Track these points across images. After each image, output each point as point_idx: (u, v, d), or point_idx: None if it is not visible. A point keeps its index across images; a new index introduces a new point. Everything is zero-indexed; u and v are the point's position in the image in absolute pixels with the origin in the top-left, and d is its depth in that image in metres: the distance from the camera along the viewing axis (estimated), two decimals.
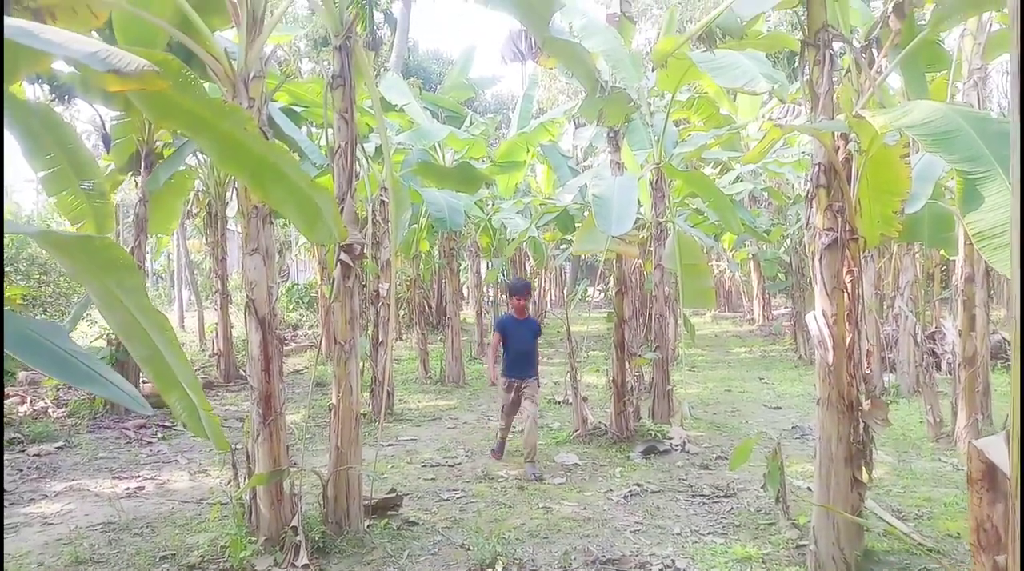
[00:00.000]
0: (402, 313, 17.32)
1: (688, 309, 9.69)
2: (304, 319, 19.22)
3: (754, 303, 20.91)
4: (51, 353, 1.59)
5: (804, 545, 4.35)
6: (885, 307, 10.98)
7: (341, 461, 4.60)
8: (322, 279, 12.34)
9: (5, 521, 5.11)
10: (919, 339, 9.03)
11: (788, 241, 14.69)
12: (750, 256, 17.92)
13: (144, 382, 8.94)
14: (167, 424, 8.17)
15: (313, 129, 9.94)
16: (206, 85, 4.21)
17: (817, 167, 4.03)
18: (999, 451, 1.24)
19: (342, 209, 4.57)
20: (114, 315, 2.27)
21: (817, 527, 4.07)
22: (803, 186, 11.80)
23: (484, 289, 17.56)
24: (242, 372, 11.11)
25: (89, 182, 6.94)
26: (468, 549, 4.58)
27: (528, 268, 17.89)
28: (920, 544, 4.34)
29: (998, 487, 1.27)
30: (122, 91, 1.97)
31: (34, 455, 6.88)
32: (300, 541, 4.30)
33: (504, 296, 17.28)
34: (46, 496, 5.76)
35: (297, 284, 21.59)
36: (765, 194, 15.58)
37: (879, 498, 5.34)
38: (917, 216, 6.16)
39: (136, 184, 9.14)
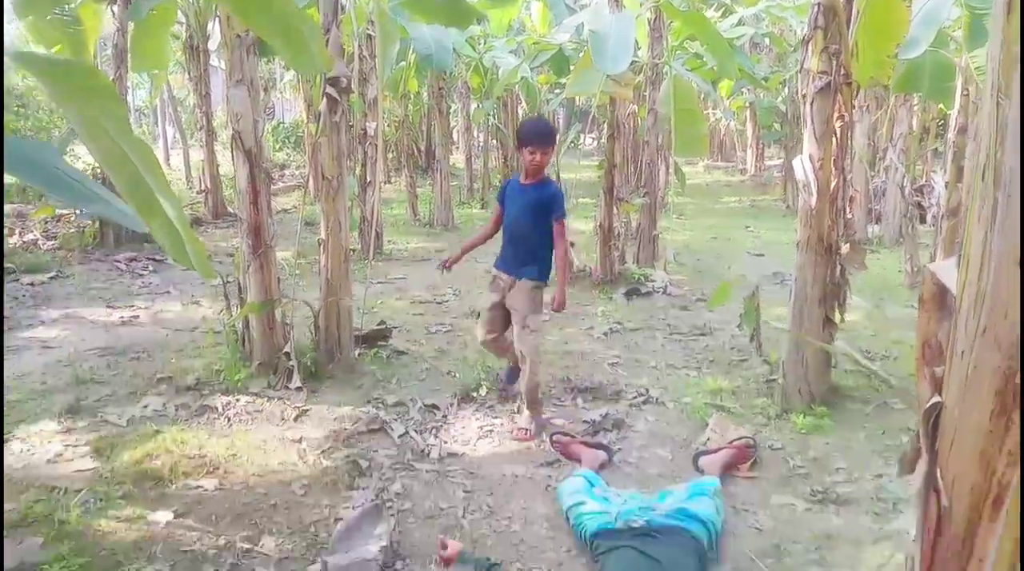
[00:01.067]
0: (390, 155, 17.10)
1: (680, 157, 9.61)
2: (291, 159, 18.96)
3: (747, 153, 20.71)
4: (49, 173, 1.60)
5: (773, 380, 4.59)
6: (877, 159, 10.92)
7: (331, 293, 4.72)
8: (308, 118, 12.09)
9: (5, 344, 5.28)
10: (907, 191, 9.07)
11: (786, 89, 14.35)
12: (747, 104, 17.53)
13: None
14: (157, 257, 8.25)
15: None
16: None
17: (816, 7, 3.90)
18: (949, 275, 1.31)
19: (327, 40, 4.42)
20: (97, 144, 2.23)
21: (787, 362, 4.27)
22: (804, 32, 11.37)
23: (474, 133, 17.25)
24: (230, 209, 11.10)
25: (62, 8, 6.61)
26: (454, 376, 4.81)
27: (520, 112, 17.49)
28: (883, 381, 4.58)
29: (945, 308, 1.34)
30: None
31: (28, 284, 6.99)
32: (292, 366, 4.49)
33: (497, 142, 16.95)
34: (43, 322, 5.92)
35: (283, 123, 21.12)
36: (766, 40, 15.04)
37: (850, 340, 5.55)
38: (918, 64, 6.02)
39: (113, 14, 8.72)
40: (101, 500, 3.30)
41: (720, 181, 19.56)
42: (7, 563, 2.82)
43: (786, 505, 3.35)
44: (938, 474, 1.29)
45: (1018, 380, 1.16)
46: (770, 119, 16.20)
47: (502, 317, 4.15)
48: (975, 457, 1.23)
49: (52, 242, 8.58)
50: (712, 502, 3.04)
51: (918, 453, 1.34)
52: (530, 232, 3.99)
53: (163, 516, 3.20)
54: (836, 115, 3.88)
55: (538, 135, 3.88)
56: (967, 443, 1.24)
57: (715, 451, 3.69)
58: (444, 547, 2.86)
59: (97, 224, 8.48)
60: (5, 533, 2.97)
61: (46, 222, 9.17)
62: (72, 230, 8.63)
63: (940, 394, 1.30)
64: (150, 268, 7.85)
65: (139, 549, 2.97)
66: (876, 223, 10.24)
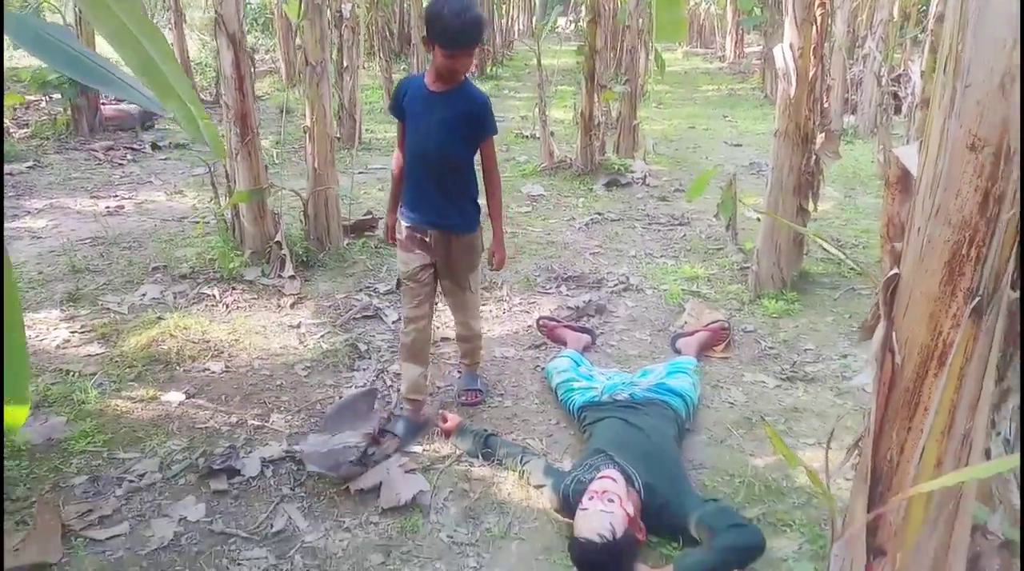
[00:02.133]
0: (360, 38, 16.59)
1: (660, 43, 9.51)
2: (259, 42, 18.32)
3: (727, 39, 20.38)
4: (69, 55, 1.64)
5: (747, 266, 4.81)
6: (856, 46, 10.88)
7: (319, 182, 4.80)
8: None
9: None
10: (883, 81, 9.11)
11: None
12: None
13: (103, 103, 8.78)
14: (135, 146, 8.17)
15: None
16: None
17: None
18: (912, 158, 1.46)
19: None
20: (105, 24, 2.27)
21: (760, 249, 4.48)
22: None
23: None
24: (202, 96, 10.86)
25: None
26: None
27: None
28: (852, 268, 4.82)
29: (908, 189, 1.50)
30: None
31: (7, 174, 6.93)
32: (285, 254, 4.62)
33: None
34: (28, 213, 5.94)
35: (249, 3, 20.27)
36: None
37: (822, 228, 5.78)
38: None
39: None
40: (114, 382, 3.49)
41: (699, 68, 19.32)
42: (35, 440, 3.02)
43: (757, 382, 3.62)
44: (893, 336, 1.49)
45: (963, 251, 1.34)
46: (751, 4, 15.85)
47: (432, 286, 3.12)
48: (925, 320, 1.42)
49: (24, 130, 8.41)
50: (689, 378, 3.29)
51: (877, 320, 1.54)
52: (456, 160, 2.92)
53: (175, 397, 3.40)
54: (817, 2, 3.93)
55: (464, 37, 2.65)
56: (919, 308, 1.43)
57: (691, 333, 3.92)
58: (444, 420, 3.10)
59: (69, 112, 8.31)
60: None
61: (15, 109, 8.96)
62: (44, 118, 8.46)
63: (898, 266, 1.48)
64: (128, 157, 7.78)
65: (156, 426, 3.17)
66: (852, 113, 10.31)
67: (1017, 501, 1.61)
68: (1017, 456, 1.41)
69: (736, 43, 19.27)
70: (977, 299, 1.37)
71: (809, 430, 3.16)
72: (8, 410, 1.79)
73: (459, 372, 3.57)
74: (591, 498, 2.31)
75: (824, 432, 3.13)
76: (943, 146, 1.36)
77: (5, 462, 2.85)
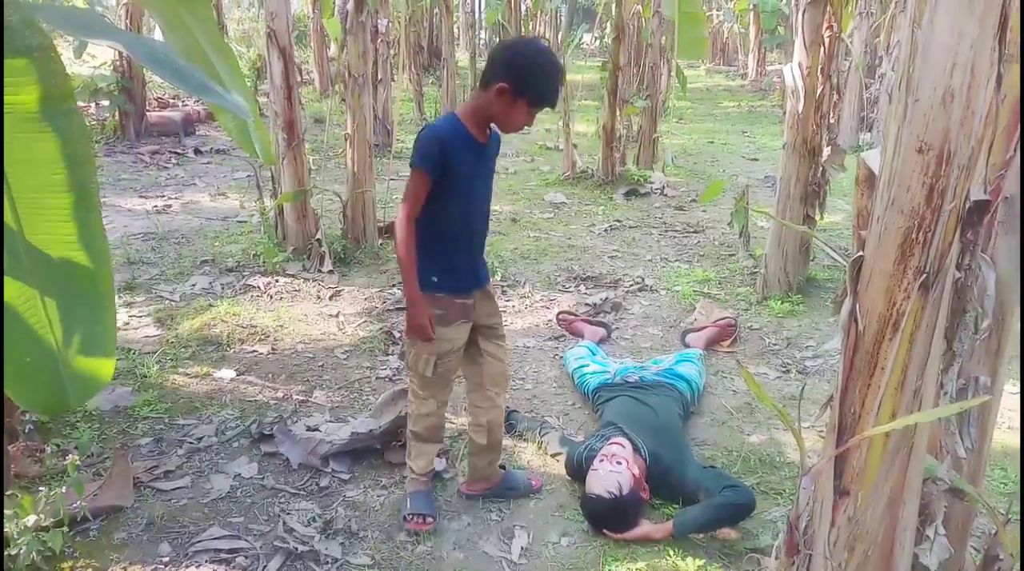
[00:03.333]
0: (393, 53, 17.07)
1: (680, 59, 9.82)
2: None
3: (749, 57, 20.65)
4: (172, 66, 1.97)
5: (757, 271, 5.09)
6: (875, 66, 11.13)
7: (358, 185, 5.15)
8: (313, 11, 12.12)
9: None
10: None
11: None
12: (750, 7, 17.42)
13: (147, 110, 9.23)
14: (178, 151, 8.60)
15: None
16: None
17: None
18: (876, 161, 1.76)
19: None
20: (178, 38, 2.62)
21: (768, 254, 4.76)
22: None
23: (476, 30, 17.19)
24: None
25: None
26: None
27: (524, 8, 17.36)
28: None
29: (872, 186, 1.81)
30: None
31: None
32: (324, 252, 4.97)
33: (501, 40, 16.78)
34: None
35: None
36: None
37: (830, 238, 6.03)
38: None
39: None
40: (171, 360, 3.83)
41: (720, 85, 19.59)
42: (104, 407, 3.37)
43: (760, 374, 3.89)
44: (857, 308, 1.77)
45: (913, 236, 1.63)
46: (773, 23, 16.15)
47: (470, 356, 2.66)
48: (882, 294, 1.71)
49: None
50: (696, 366, 3.58)
51: (844, 295, 1.83)
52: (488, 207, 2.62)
53: (227, 373, 3.74)
54: (826, 25, 4.22)
55: (557, 95, 2.38)
56: (877, 284, 1.72)
57: (701, 329, 4.21)
58: None
59: (117, 118, 8.77)
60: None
61: None
62: (93, 123, 8.91)
63: (863, 250, 1.78)
64: (173, 161, 8.20)
65: (211, 398, 3.51)
66: (868, 131, 10.55)
67: (961, 451, 1.89)
68: (957, 406, 1.69)
69: (758, 61, 19.53)
70: (924, 275, 1.66)
71: (804, 415, 3.43)
72: (97, 362, 2.13)
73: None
74: (601, 460, 2.61)
75: (820, 419, 3.40)
76: (897, 150, 1.66)
77: (80, 424, 3.20)
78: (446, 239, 2.44)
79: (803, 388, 3.23)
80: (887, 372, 1.75)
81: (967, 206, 1.66)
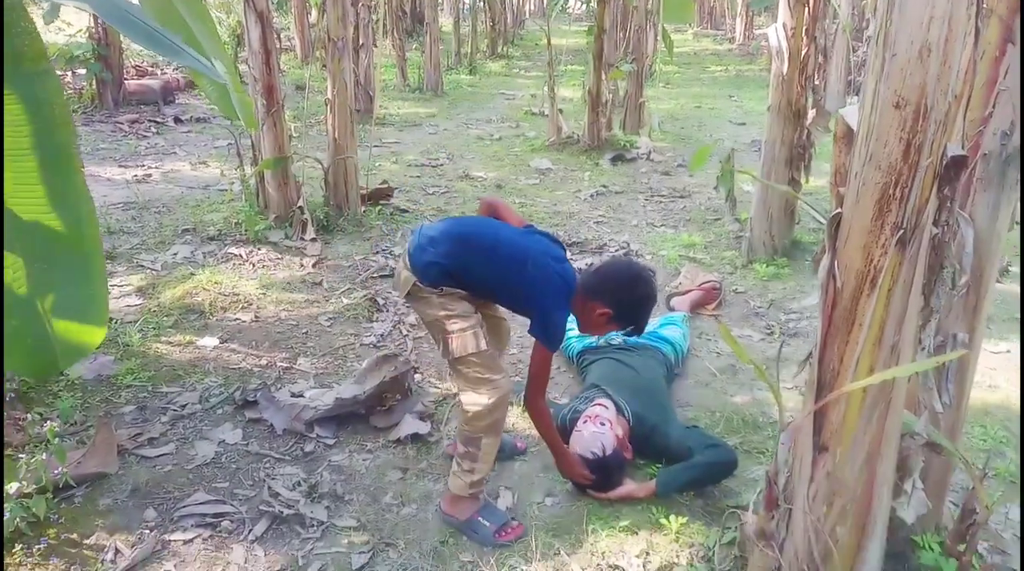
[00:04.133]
0: (375, 18, 16.83)
1: (668, 24, 9.75)
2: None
3: (736, 21, 20.50)
4: (144, 29, 1.93)
5: (742, 235, 5.09)
6: (862, 28, 11.06)
7: (339, 151, 5.10)
8: None
9: None
10: None
11: None
12: None
13: (126, 78, 9.10)
14: (158, 120, 8.48)
15: None
16: None
17: None
18: (854, 116, 1.75)
19: None
20: (154, 1, 2.56)
21: (753, 217, 4.76)
22: None
23: None
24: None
25: None
26: None
27: None
28: None
29: (852, 143, 1.80)
30: None
31: None
32: (306, 219, 4.93)
33: (484, 4, 16.44)
34: None
35: None
36: None
37: (816, 202, 6.03)
38: None
39: None
40: (154, 329, 3.81)
41: (708, 49, 19.46)
42: (86, 375, 3.35)
43: (744, 336, 3.91)
44: (836, 265, 1.78)
45: (890, 192, 1.63)
46: None
47: None
48: (860, 250, 1.71)
49: None
50: (680, 329, 3.59)
51: (823, 252, 1.83)
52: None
53: (210, 341, 3.72)
54: None
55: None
56: (855, 240, 1.71)
57: (685, 292, 4.22)
58: None
59: (94, 86, 8.62)
60: None
61: None
62: (70, 92, 8.76)
63: (841, 207, 1.77)
64: (152, 130, 8.09)
65: (194, 366, 3.50)
66: (856, 94, 10.50)
67: (939, 406, 1.91)
68: (933, 360, 1.71)
69: (746, 25, 19.41)
70: (901, 231, 1.66)
71: (787, 376, 3.45)
72: (88, 329, 2.11)
73: None
74: (585, 422, 2.63)
75: (800, 379, 3.43)
76: (875, 105, 1.65)
77: (63, 393, 3.19)
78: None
79: (781, 345, 3.26)
80: (865, 328, 1.75)
81: (944, 162, 1.65)
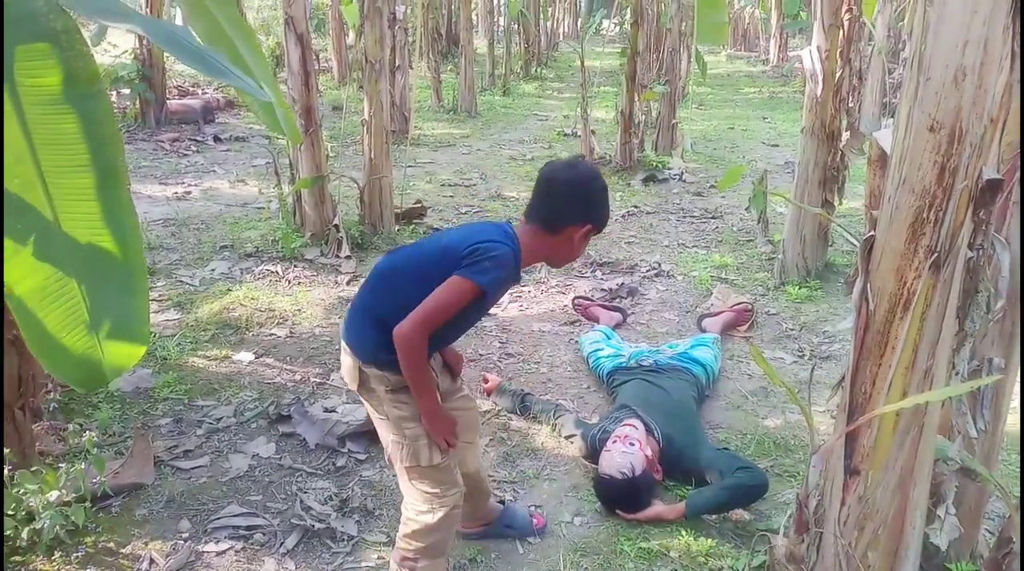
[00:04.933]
0: (411, 39, 17.09)
1: (700, 44, 9.75)
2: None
3: (770, 43, 20.44)
4: (192, 51, 2.00)
5: (775, 257, 5.07)
6: (898, 51, 10.98)
7: (374, 171, 5.18)
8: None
9: None
10: None
11: None
12: None
13: (167, 98, 9.34)
14: (198, 139, 8.68)
15: None
16: None
17: None
18: (887, 140, 1.75)
19: None
20: (200, 22, 2.65)
21: (786, 239, 4.74)
22: None
23: (495, 16, 17.12)
24: None
25: None
26: None
27: None
28: None
29: (886, 166, 1.80)
30: None
31: None
32: (341, 237, 5.00)
33: (519, 26, 16.70)
34: None
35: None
36: None
37: (850, 224, 5.98)
38: None
39: None
40: (191, 343, 3.89)
41: (741, 71, 19.41)
42: (125, 388, 3.43)
43: (776, 359, 3.88)
44: (868, 288, 1.77)
45: (924, 215, 1.63)
46: (796, 7, 15.94)
47: None
48: (893, 273, 1.70)
49: None
50: (711, 350, 3.58)
51: (856, 275, 1.82)
52: None
53: (245, 356, 3.79)
54: (845, 8, 4.18)
55: None
56: (888, 263, 1.71)
57: (717, 314, 4.20)
58: (486, 381, 3.44)
59: (138, 106, 8.86)
60: None
61: None
62: (115, 111, 9.00)
63: (874, 229, 1.77)
64: (193, 149, 8.28)
65: (230, 380, 3.56)
66: (891, 116, 10.41)
67: (973, 432, 1.89)
68: (967, 385, 1.69)
69: (780, 47, 19.33)
70: (935, 255, 1.65)
71: (820, 400, 3.42)
72: (131, 343, 2.16)
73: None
74: (614, 442, 2.63)
75: (833, 402, 3.39)
76: (909, 128, 1.65)
77: (102, 404, 3.26)
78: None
79: (813, 368, 3.23)
80: (898, 351, 1.74)
81: (979, 185, 1.65)
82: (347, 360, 2.04)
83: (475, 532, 2.53)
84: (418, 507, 2.04)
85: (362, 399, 2.10)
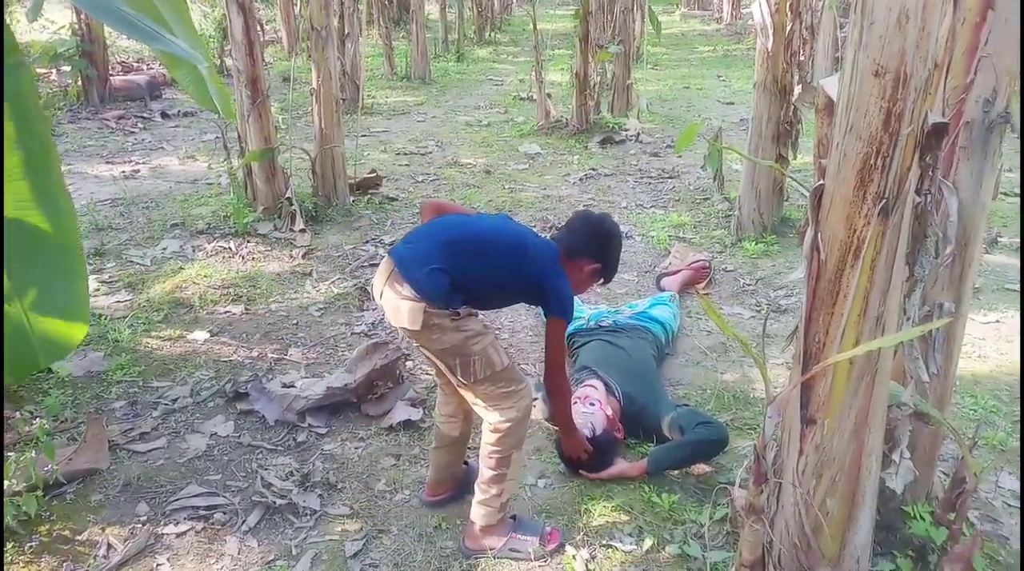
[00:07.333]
0: (360, 6, 16.71)
1: (656, 5, 9.70)
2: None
3: (724, 1, 20.40)
4: (117, 14, 1.90)
5: (731, 214, 5.09)
6: (849, 3, 11.01)
7: (326, 141, 5.07)
8: None
9: None
10: None
11: None
12: None
13: (112, 74, 9.04)
14: (145, 115, 8.42)
15: None
16: None
17: None
18: (834, 87, 1.74)
19: None
20: None
21: (742, 195, 4.75)
22: None
23: None
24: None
25: None
26: None
27: None
28: None
29: (832, 114, 1.79)
30: None
31: None
32: (295, 210, 4.90)
33: None
34: None
35: None
36: None
37: (804, 179, 6.02)
38: None
39: None
40: (144, 324, 3.80)
41: (696, 30, 19.36)
42: (76, 372, 3.34)
43: (734, 314, 3.92)
44: (819, 237, 1.77)
45: (871, 162, 1.62)
46: None
47: None
48: (842, 221, 1.70)
49: None
50: (669, 309, 3.59)
51: (807, 225, 1.82)
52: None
53: (200, 335, 3.71)
54: None
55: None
56: (837, 211, 1.71)
57: (675, 272, 4.22)
58: None
59: (80, 83, 8.55)
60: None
61: None
62: (56, 90, 8.70)
63: (823, 178, 1.76)
64: (139, 126, 8.03)
65: (184, 360, 3.49)
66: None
67: (925, 376, 1.91)
68: (918, 329, 1.70)
69: (734, 4, 19.30)
70: (883, 201, 1.65)
71: (777, 353, 3.46)
72: (69, 325, 2.09)
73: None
74: (575, 403, 2.63)
75: (789, 353, 3.43)
76: (854, 74, 1.63)
77: (52, 390, 3.17)
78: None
79: (766, 320, 3.26)
80: (849, 299, 1.75)
81: (925, 130, 1.65)
82: (410, 305, 2.14)
83: (439, 499, 2.54)
84: (503, 409, 2.22)
85: (414, 339, 2.26)
